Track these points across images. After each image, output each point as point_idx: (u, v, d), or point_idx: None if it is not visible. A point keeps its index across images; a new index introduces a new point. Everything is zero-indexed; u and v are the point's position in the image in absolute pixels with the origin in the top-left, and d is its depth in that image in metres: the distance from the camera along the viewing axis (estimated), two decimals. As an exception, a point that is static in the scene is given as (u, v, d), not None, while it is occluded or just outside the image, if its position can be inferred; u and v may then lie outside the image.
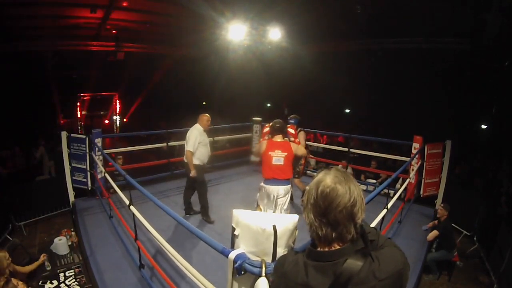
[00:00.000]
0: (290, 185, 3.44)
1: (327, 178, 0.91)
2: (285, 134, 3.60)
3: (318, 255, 0.90)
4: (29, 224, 4.93)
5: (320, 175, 0.95)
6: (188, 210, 4.75)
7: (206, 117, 4.52)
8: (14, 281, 2.76)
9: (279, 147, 3.39)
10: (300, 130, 4.96)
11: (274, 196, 3.33)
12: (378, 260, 0.85)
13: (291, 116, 4.96)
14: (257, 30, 8.49)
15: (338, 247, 0.89)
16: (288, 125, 4.60)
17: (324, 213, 0.88)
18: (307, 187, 0.98)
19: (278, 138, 3.45)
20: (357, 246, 0.88)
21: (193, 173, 4.30)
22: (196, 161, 4.36)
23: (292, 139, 3.89)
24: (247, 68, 11.32)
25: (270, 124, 3.58)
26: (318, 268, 0.88)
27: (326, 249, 0.90)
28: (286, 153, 3.36)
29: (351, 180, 0.92)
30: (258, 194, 3.51)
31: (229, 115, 11.41)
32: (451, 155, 5.28)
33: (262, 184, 3.42)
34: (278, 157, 3.35)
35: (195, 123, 4.56)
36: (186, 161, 4.38)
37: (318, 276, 0.87)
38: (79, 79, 12.58)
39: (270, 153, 3.37)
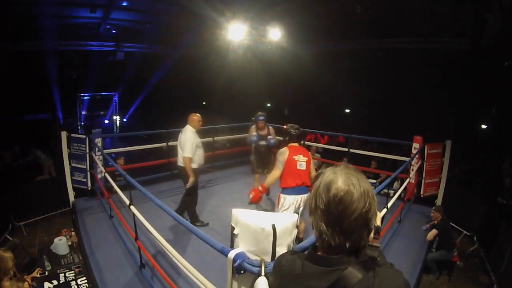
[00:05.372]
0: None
1: (339, 180, 0.81)
2: (303, 141, 3.57)
3: (318, 258, 0.85)
4: (29, 224, 4.93)
5: (329, 175, 0.83)
6: (194, 220, 4.39)
7: (196, 117, 4.27)
8: (17, 282, 2.76)
9: (300, 152, 3.35)
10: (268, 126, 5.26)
11: (298, 205, 3.28)
12: (379, 277, 0.79)
13: (260, 113, 5.12)
14: (257, 30, 8.49)
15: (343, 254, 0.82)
16: (259, 121, 5.02)
17: (338, 221, 0.79)
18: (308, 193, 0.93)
19: (295, 144, 3.42)
20: (361, 257, 0.81)
21: (192, 181, 4.07)
22: (193, 165, 4.12)
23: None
24: (247, 68, 11.32)
25: (285, 129, 3.49)
26: (315, 271, 0.83)
27: (329, 255, 0.83)
28: (307, 158, 3.34)
29: (363, 179, 0.83)
30: (278, 207, 3.34)
31: (229, 115, 11.41)
32: (451, 155, 5.28)
33: (283, 195, 3.30)
34: (300, 162, 3.29)
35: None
36: (181, 165, 4.16)
37: (313, 279, 0.83)
38: (79, 79, 12.59)
39: (294, 157, 3.28)
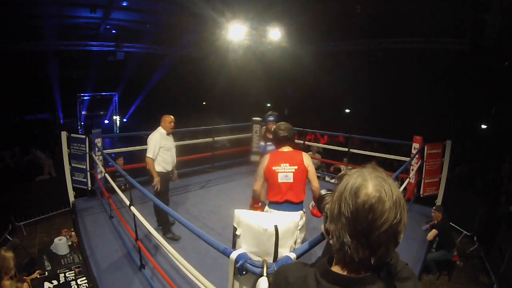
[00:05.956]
0: (303, 211, 2.71)
1: (369, 185, 0.70)
2: (294, 143, 2.80)
3: (336, 278, 0.74)
4: (29, 224, 4.92)
5: (356, 178, 0.72)
6: (165, 230, 4.09)
7: (169, 118, 4.01)
8: (16, 282, 2.77)
9: (286, 159, 2.63)
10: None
11: None
12: None
13: (270, 112, 4.38)
14: (257, 30, 8.51)
15: (363, 273, 0.72)
16: (269, 123, 4.31)
17: (365, 233, 0.68)
18: (325, 195, 0.85)
19: (285, 149, 2.73)
20: (381, 272, 0.73)
21: (156, 181, 3.83)
22: (158, 168, 3.90)
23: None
24: (247, 68, 11.34)
25: (273, 129, 2.80)
26: None
27: (345, 273, 0.74)
28: (296, 167, 2.60)
29: (395, 185, 0.72)
30: None
31: (229, 115, 11.41)
32: (451, 155, 5.28)
33: (267, 208, 2.74)
34: (285, 173, 2.60)
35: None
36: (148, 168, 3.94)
37: None
38: (79, 79, 12.61)
39: (274, 168, 2.60)
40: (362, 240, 0.68)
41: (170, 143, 4.03)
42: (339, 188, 0.74)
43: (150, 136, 3.92)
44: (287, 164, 2.60)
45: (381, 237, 0.68)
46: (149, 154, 3.84)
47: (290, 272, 0.85)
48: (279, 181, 2.60)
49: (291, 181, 2.59)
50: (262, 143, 4.35)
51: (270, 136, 4.21)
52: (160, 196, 3.75)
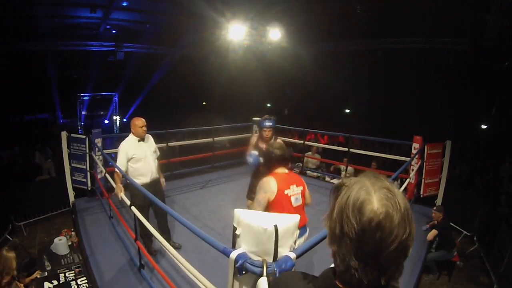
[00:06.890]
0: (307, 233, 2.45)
1: (374, 198, 0.61)
2: (289, 164, 2.52)
3: None
4: (29, 224, 4.92)
5: (358, 191, 0.63)
6: (146, 240, 3.51)
7: (139, 121, 3.38)
8: (16, 283, 2.77)
9: (291, 181, 2.38)
10: (276, 137, 3.64)
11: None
12: None
13: (267, 116, 3.56)
14: (257, 30, 8.51)
15: None
16: (265, 129, 3.52)
17: (374, 254, 0.61)
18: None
19: (285, 170, 2.45)
20: None
21: (118, 193, 3.25)
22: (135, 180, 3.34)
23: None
24: (247, 68, 11.35)
25: (265, 149, 2.49)
26: None
27: None
28: (301, 187, 2.43)
29: (401, 194, 0.64)
30: None
31: (229, 115, 11.42)
32: (451, 155, 5.28)
33: None
34: (296, 195, 2.35)
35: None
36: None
37: None
38: (79, 79, 12.61)
39: (286, 191, 2.30)
40: (370, 262, 0.61)
41: (142, 152, 3.40)
42: (338, 203, 0.65)
43: (119, 146, 3.41)
44: (295, 185, 2.36)
45: (391, 256, 0.61)
46: (118, 165, 3.38)
47: (291, 283, 0.80)
48: (294, 205, 2.31)
49: (301, 203, 2.39)
50: (254, 152, 3.35)
51: (265, 146, 3.48)
52: (139, 211, 3.06)
